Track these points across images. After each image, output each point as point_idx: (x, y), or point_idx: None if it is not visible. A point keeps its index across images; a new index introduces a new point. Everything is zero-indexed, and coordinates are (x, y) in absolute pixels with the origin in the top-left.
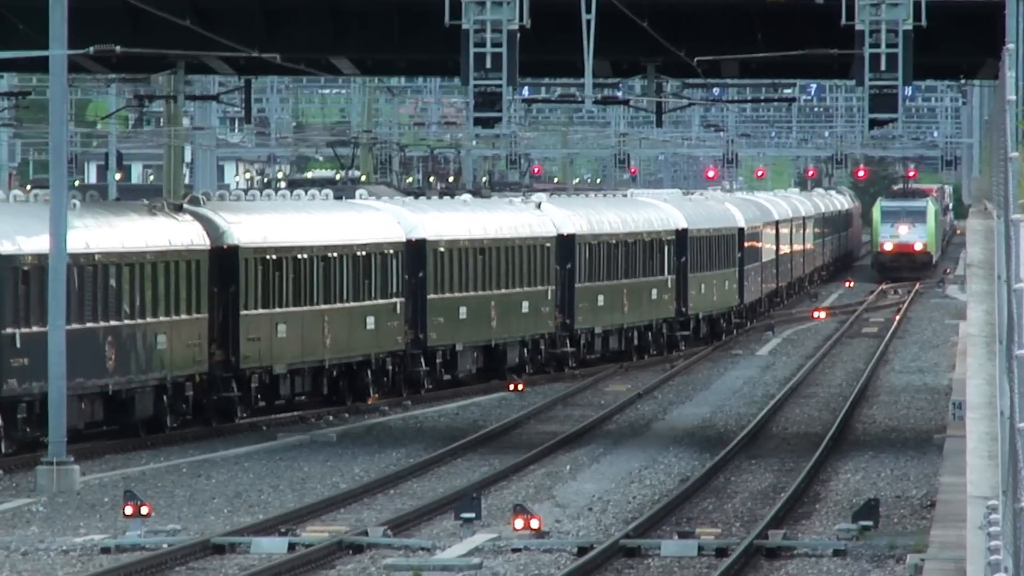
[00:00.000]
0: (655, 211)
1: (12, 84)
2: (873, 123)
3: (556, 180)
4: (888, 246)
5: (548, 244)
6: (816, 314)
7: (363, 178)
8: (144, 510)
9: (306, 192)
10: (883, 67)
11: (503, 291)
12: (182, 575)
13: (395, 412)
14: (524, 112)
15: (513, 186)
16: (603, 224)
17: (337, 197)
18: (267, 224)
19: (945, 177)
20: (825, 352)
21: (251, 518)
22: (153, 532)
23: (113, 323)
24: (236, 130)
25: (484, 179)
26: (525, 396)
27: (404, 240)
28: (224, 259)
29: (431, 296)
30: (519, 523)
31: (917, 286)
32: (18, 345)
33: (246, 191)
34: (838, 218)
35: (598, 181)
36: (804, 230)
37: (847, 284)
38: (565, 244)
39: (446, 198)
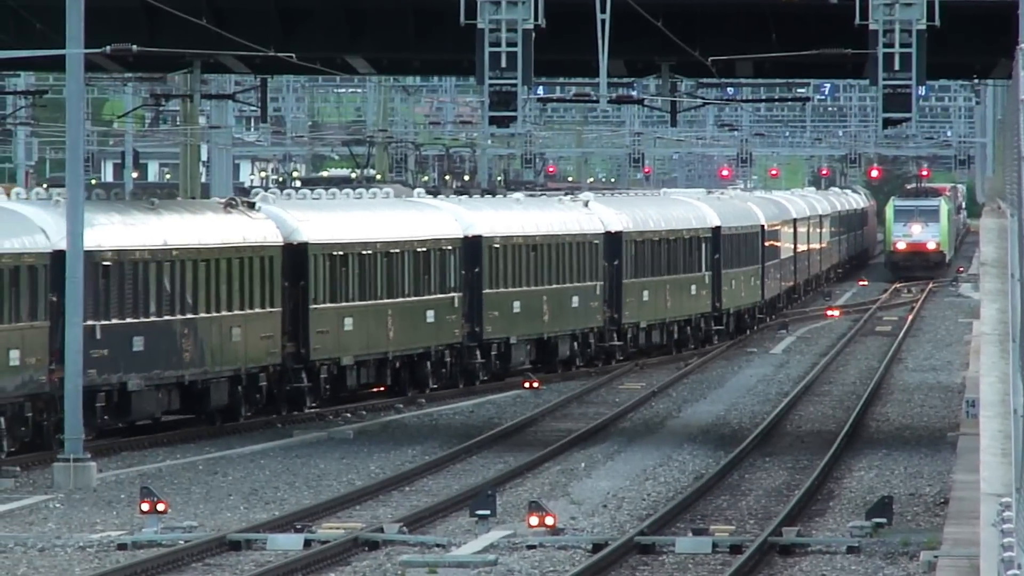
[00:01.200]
0: (693, 209)
1: (29, 83)
2: (887, 122)
3: (570, 179)
4: (901, 245)
5: (596, 241)
6: (830, 312)
7: (378, 177)
8: (161, 507)
9: (368, 190)
10: (897, 67)
11: (554, 286)
12: (198, 571)
13: (411, 410)
14: (539, 111)
15: (528, 185)
16: (647, 222)
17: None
18: (334, 221)
19: (959, 176)
20: (839, 350)
21: (267, 515)
22: (169, 529)
23: (189, 316)
24: (252, 129)
25: (499, 178)
26: (540, 394)
27: (461, 237)
28: (295, 255)
29: (486, 291)
30: (534, 520)
31: (931, 285)
32: (98, 336)
33: (294, 189)
34: (854, 216)
35: (612, 180)
36: (821, 228)
37: (861, 283)
38: (612, 241)
39: (499, 196)
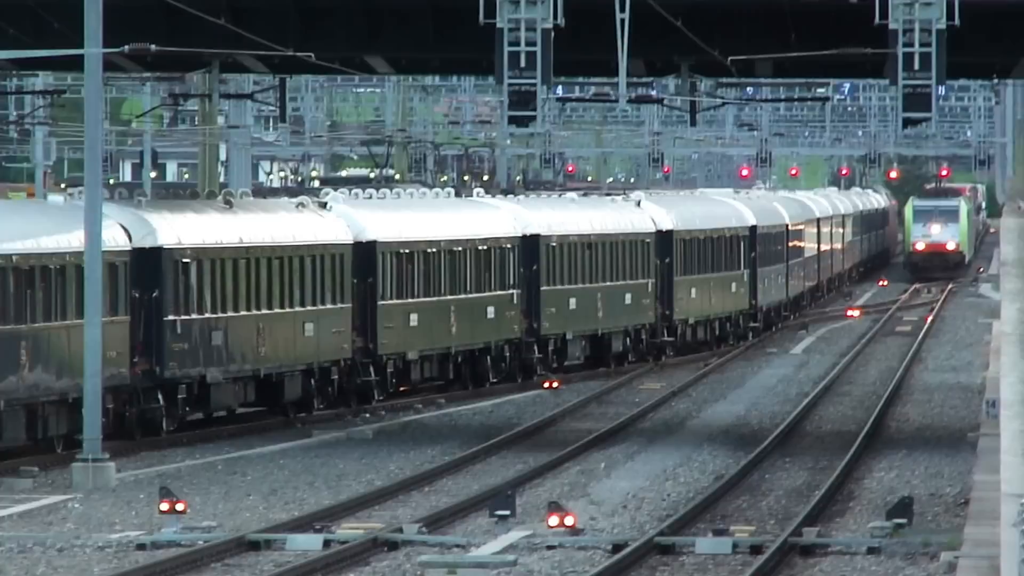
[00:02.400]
0: (731, 208)
1: (47, 83)
2: (906, 122)
3: (590, 179)
4: (920, 246)
5: (648, 240)
6: (850, 313)
7: (397, 177)
8: (180, 507)
9: (431, 190)
10: (916, 66)
11: (608, 283)
12: (218, 572)
13: (430, 410)
14: (558, 111)
15: (547, 185)
16: (695, 220)
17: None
18: (400, 220)
19: (978, 176)
20: (859, 350)
21: (286, 515)
22: (189, 529)
23: (265, 312)
24: (271, 129)
25: (518, 178)
26: (560, 394)
27: (520, 235)
28: (364, 253)
29: (544, 288)
30: (554, 520)
31: (950, 285)
32: (178, 331)
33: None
34: (875, 216)
35: (632, 180)
36: (843, 228)
37: (881, 283)
38: (663, 240)
39: (554, 196)
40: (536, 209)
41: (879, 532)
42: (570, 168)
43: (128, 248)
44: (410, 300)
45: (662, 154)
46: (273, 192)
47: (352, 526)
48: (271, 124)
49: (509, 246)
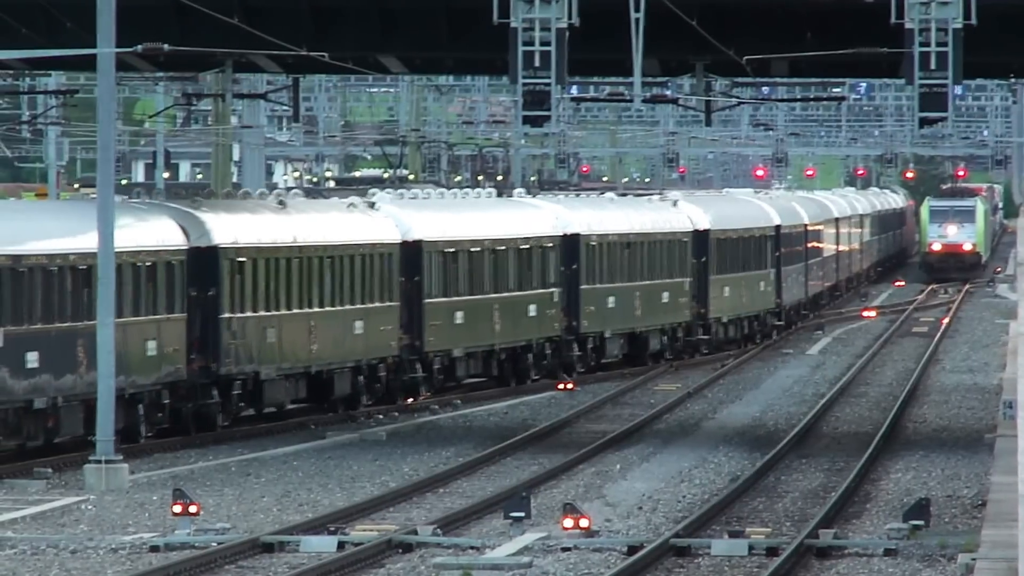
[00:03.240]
0: (759, 209)
1: (60, 83)
2: (923, 122)
3: (605, 179)
4: (936, 246)
5: (685, 239)
6: (866, 313)
7: (411, 177)
8: (193, 508)
9: (472, 190)
10: (933, 66)
11: (646, 282)
12: (231, 574)
13: (445, 411)
14: (573, 111)
15: (562, 185)
16: (728, 220)
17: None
18: (445, 220)
19: (995, 176)
20: (875, 351)
21: (300, 517)
22: (202, 531)
23: (316, 309)
24: (284, 129)
25: (532, 178)
26: (575, 395)
27: (561, 235)
28: (411, 252)
29: (583, 286)
30: (569, 522)
31: (967, 286)
32: (234, 329)
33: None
34: (892, 216)
35: (647, 181)
36: (861, 228)
37: (897, 284)
38: (700, 239)
39: (592, 196)
40: (576, 209)
41: (896, 534)
42: (585, 168)
43: (185, 247)
44: (455, 298)
45: (677, 154)
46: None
47: (366, 528)
48: (284, 124)
49: (550, 245)
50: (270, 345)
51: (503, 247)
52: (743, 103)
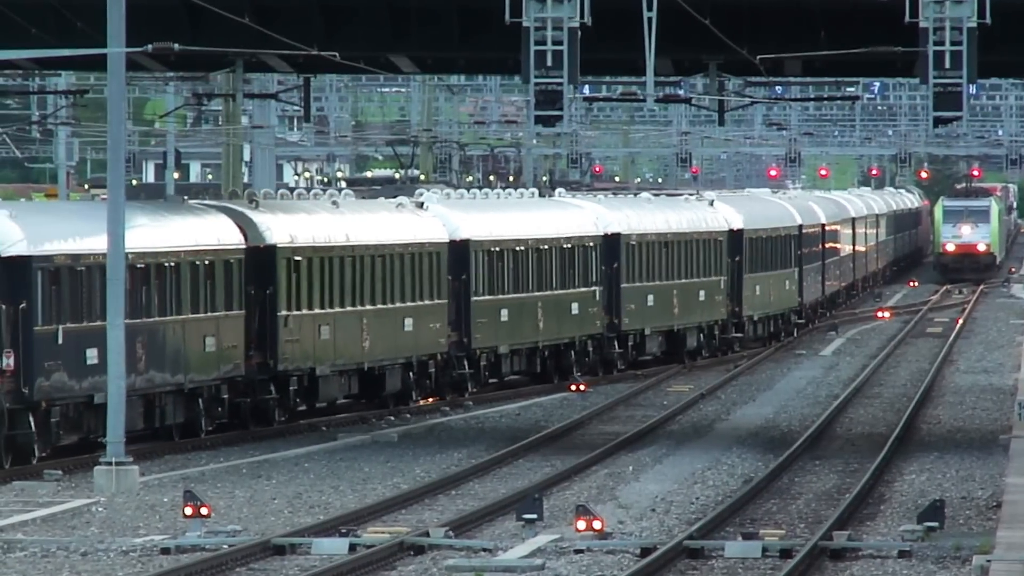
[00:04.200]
0: (784, 208)
1: (70, 83)
2: (937, 121)
3: (617, 179)
4: (950, 247)
5: (721, 238)
6: (880, 314)
7: (422, 177)
8: (204, 511)
9: (515, 190)
10: (947, 65)
11: (683, 281)
12: None
13: (456, 412)
14: (585, 111)
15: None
16: (759, 220)
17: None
18: (490, 220)
19: (1010, 176)
20: (889, 352)
21: (312, 519)
22: (213, 533)
23: (368, 307)
24: (295, 129)
25: (544, 178)
26: (587, 396)
27: (602, 234)
28: (458, 251)
29: (624, 285)
30: (581, 524)
31: (981, 286)
32: (290, 326)
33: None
34: (908, 216)
35: (659, 180)
36: (877, 227)
37: (911, 284)
38: (734, 238)
39: (630, 196)
40: (617, 209)
41: (910, 536)
42: (597, 168)
43: (243, 246)
44: (501, 296)
45: (690, 154)
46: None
47: (378, 530)
48: (295, 124)
49: (592, 245)
50: (325, 342)
51: (547, 246)
52: (756, 103)
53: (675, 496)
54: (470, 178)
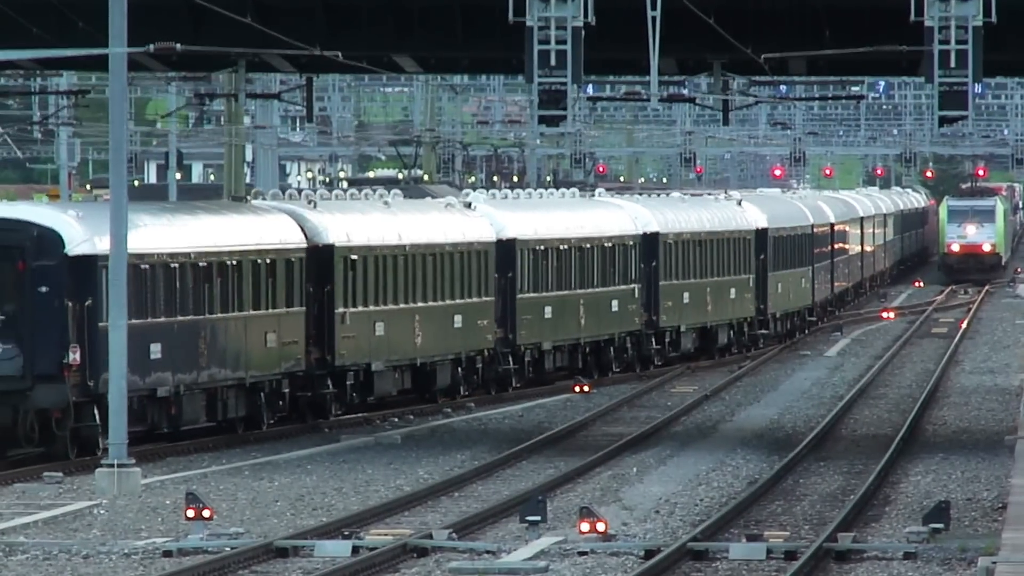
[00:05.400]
0: (798, 208)
1: (72, 83)
2: (943, 120)
3: (621, 179)
4: (955, 247)
5: (749, 237)
6: (885, 314)
7: (425, 177)
8: (206, 513)
9: (557, 189)
10: (953, 64)
11: (716, 278)
12: None
13: (459, 414)
14: (589, 110)
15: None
16: (782, 219)
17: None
18: (535, 219)
19: (1016, 175)
20: (894, 353)
21: (314, 521)
22: (215, 535)
23: (420, 304)
24: (298, 129)
25: (548, 178)
26: (591, 398)
27: (641, 233)
28: (504, 250)
29: (662, 283)
30: (585, 526)
31: (987, 286)
32: (347, 322)
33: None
34: (914, 215)
35: (664, 180)
36: (885, 227)
37: (916, 284)
38: (760, 237)
39: (663, 196)
40: (654, 208)
41: (915, 537)
42: (601, 168)
43: (304, 245)
44: (545, 294)
45: (694, 154)
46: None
47: (381, 532)
48: (298, 124)
49: (631, 243)
50: (380, 338)
51: (589, 245)
52: (761, 102)
53: (679, 498)
54: (473, 178)
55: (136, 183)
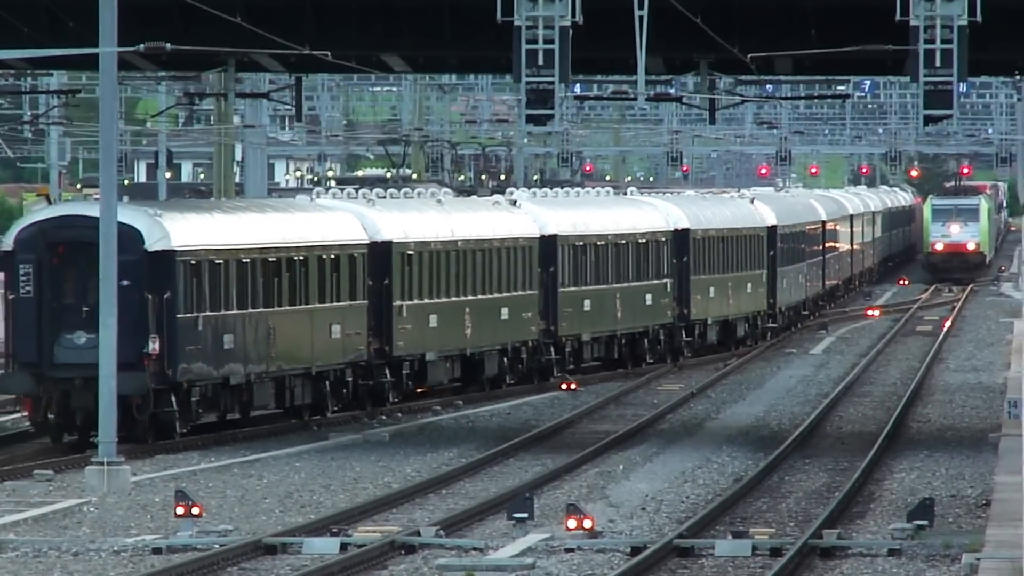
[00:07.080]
0: (806, 206)
1: (62, 82)
2: (928, 119)
3: (608, 178)
4: (939, 246)
5: (762, 234)
6: (870, 312)
7: (414, 176)
8: (195, 510)
9: (593, 189)
10: (938, 63)
11: (735, 273)
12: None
13: (447, 412)
14: (576, 109)
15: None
16: (786, 216)
17: None
18: (574, 216)
19: (1000, 174)
20: (879, 350)
21: (303, 518)
22: (204, 532)
23: (470, 297)
24: (287, 128)
25: (535, 177)
26: (578, 395)
27: (672, 230)
28: (546, 245)
29: (693, 277)
30: (572, 523)
31: (971, 285)
32: (404, 315)
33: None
34: (902, 213)
35: (651, 179)
36: (873, 224)
37: (901, 282)
38: (771, 234)
39: (685, 193)
40: (683, 206)
41: (900, 534)
42: (588, 167)
43: (366, 241)
44: (584, 288)
45: (681, 153)
46: (289, 192)
47: (369, 529)
48: (287, 124)
49: (663, 240)
50: (433, 330)
51: (624, 241)
52: (747, 101)
53: (665, 495)
54: (462, 177)
55: (126, 182)
